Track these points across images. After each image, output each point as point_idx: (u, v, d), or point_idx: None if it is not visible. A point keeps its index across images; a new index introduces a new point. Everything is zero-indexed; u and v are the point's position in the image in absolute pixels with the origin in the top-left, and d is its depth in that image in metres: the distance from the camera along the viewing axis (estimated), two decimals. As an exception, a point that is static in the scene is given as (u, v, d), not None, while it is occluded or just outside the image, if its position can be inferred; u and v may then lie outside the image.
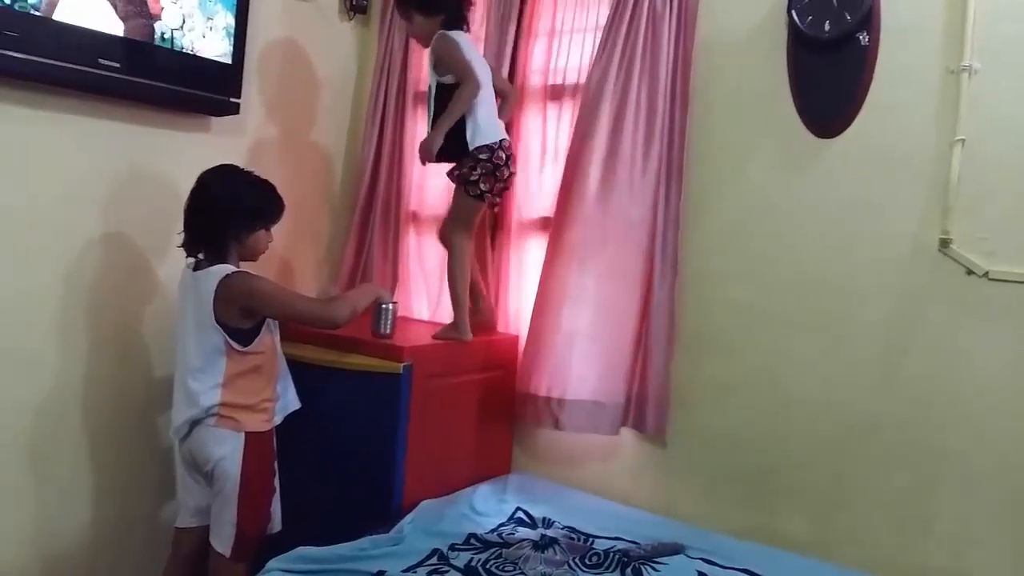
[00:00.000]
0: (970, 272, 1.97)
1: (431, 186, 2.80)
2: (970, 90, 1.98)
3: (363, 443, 2.22)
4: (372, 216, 2.85)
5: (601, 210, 2.34)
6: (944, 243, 1.99)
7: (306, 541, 1.93)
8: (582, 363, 2.36)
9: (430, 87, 2.38)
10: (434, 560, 1.91)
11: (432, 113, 2.35)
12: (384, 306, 2.29)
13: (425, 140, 2.32)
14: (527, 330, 2.48)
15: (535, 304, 2.45)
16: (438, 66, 2.33)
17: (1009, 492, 1.91)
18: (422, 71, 2.80)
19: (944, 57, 2.02)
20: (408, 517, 2.10)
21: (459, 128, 2.29)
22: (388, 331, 2.30)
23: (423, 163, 2.39)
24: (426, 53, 2.45)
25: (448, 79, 2.31)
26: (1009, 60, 1.95)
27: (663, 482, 2.40)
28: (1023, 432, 1.89)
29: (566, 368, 2.36)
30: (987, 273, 1.94)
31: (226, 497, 2.00)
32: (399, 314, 2.39)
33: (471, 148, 2.30)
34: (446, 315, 2.57)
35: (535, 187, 2.61)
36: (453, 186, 2.44)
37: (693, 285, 2.34)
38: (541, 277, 2.44)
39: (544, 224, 2.57)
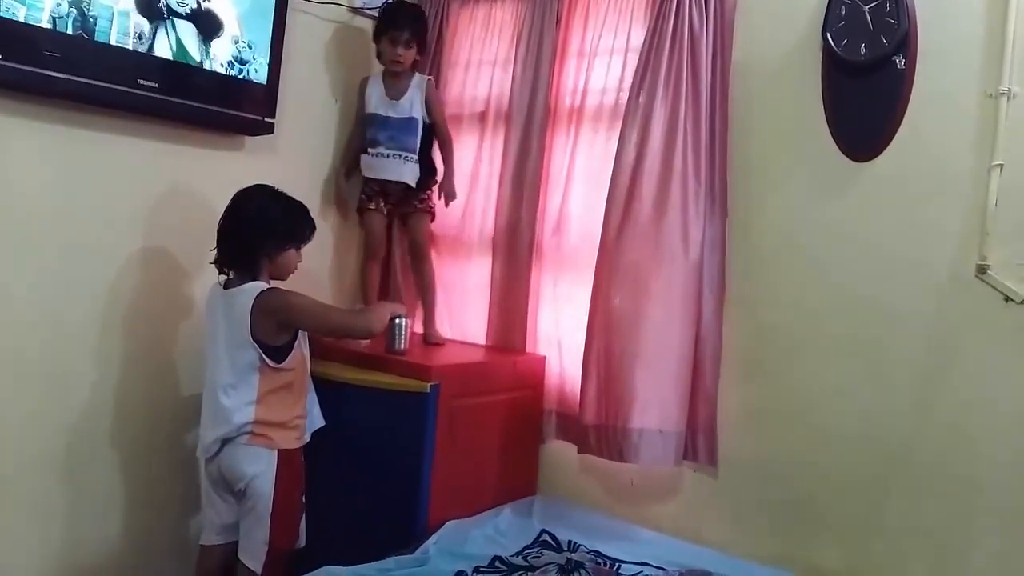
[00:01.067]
0: (1008, 299, 1.93)
1: (455, 209, 2.80)
2: (1008, 114, 1.94)
3: (389, 462, 2.23)
4: (395, 236, 2.87)
5: (655, 231, 2.28)
6: (981, 269, 1.96)
7: (331, 558, 1.93)
8: (643, 391, 2.25)
9: (410, 118, 2.63)
10: (459, 582, 1.90)
11: (417, 147, 2.65)
12: (397, 321, 2.30)
13: (448, 184, 2.67)
14: (559, 350, 2.50)
15: (590, 330, 2.33)
16: (429, 109, 2.66)
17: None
18: (450, 90, 2.85)
19: (982, 81, 1.99)
20: (433, 538, 2.09)
21: (427, 164, 2.69)
22: (403, 347, 2.32)
23: (447, 204, 2.71)
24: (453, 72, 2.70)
25: (426, 118, 2.66)
26: (1048, 84, 1.92)
27: (692, 507, 2.36)
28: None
29: (627, 397, 2.25)
30: (1025, 301, 1.91)
31: (259, 515, 2.01)
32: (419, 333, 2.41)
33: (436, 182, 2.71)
34: (461, 334, 2.77)
35: (566, 210, 2.59)
36: (448, 210, 2.75)
37: (732, 309, 2.31)
38: (593, 302, 2.34)
39: (566, 247, 2.57)
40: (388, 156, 2.63)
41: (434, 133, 2.71)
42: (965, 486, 1.96)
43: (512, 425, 2.47)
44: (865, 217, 2.12)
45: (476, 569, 1.97)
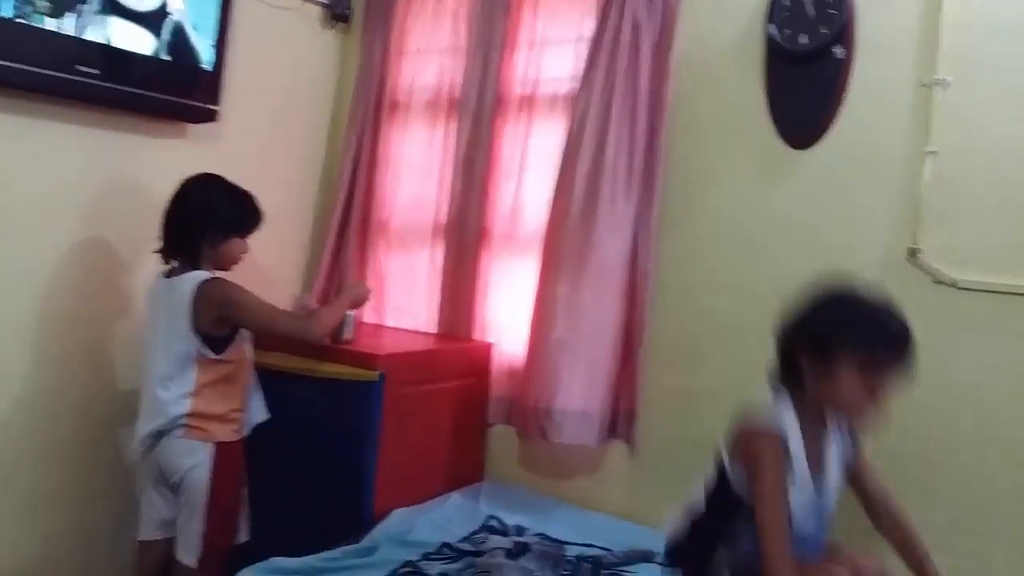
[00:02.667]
0: (938, 281, 1.98)
1: (404, 197, 2.81)
2: (942, 103, 2.00)
3: (334, 451, 2.21)
4: (348, 226, 2.85)
5: (585, 224, 2.34)
6: (913, 253, 2.01)
7: (276, 550, 1.91)
8: (570, 375, 2.33)
9: None
10: (407, 570, 1.90)
11: None
12: (347, 312, 2.28)
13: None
14: (505, 337, 2.52)
15: (533, 317, 2.40)
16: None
17: (971, 499, 1.92)
18: (399, 79, 2.83)
19: (918, 71, 2.05)
20: (380, 527, 2.09)
21: None
22: (350, 337, 2.30)
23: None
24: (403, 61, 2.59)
25: None
26: (980, 74, 1.98)
27: (635, 489, 2.40)
28: (992, 439, 1.91)
29: (556, 379, 2.33)
30: (956, 282, 1.96)
31: (193, 508, 1.98)
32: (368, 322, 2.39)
33: None
34: (412, 322, 2.75)
35: (515, 199, 2.61)
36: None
37: (667, 295, 2.35)
38: (537, 290, 2.41)
39: (516, 235, 2.59)
40: None
41: None
42: (897, 463, 1.99)
43: (459, 412, 2.47)
44: (802, 203, 2.17)
45: (424, 556, 1.98)
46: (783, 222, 2.20)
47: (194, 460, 1.98)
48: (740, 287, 2.26)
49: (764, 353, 2.18)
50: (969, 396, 1.95)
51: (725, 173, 2.29)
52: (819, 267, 2.12)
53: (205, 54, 2.41)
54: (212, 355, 1.99)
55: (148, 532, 2.09)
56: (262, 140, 2.76)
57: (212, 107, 2.45)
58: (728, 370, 2.26)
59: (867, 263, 2.07)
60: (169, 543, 2.05)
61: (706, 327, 2.31)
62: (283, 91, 2.83)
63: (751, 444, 1.48)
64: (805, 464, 1.52)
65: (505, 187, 2.63)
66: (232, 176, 2.14)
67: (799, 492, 1.49)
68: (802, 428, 1.53)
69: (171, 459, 1.99)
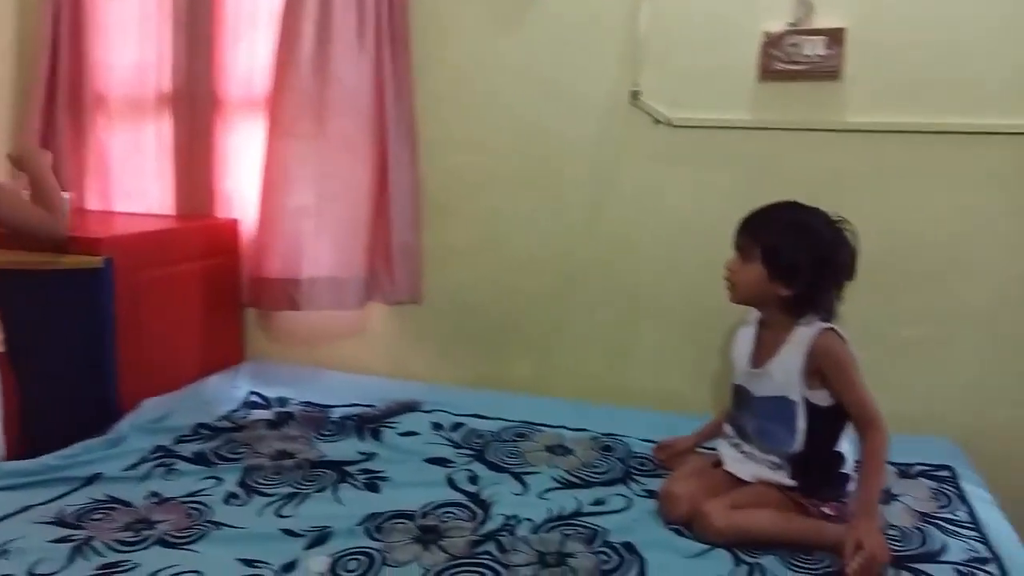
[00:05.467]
0: (657, 121, 2.13)
1: (121, 65, 2.51)
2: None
3: (68, 349, 2.02)
4: (55, 100, 2.51)
5: (317, 81, 2.23)
6: (635, 95, 2.13)
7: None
8: (316, 241, 2.28)
9: None
10: (159, 455, 1.82)
11: None
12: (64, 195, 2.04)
13: None
14: (256, 213, 2.36)
15: (262, 185, 2.31)
16: None
17: (692, 316, 2.16)
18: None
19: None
20: (127, 418, 1.96)
21: None
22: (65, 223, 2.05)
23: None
24: None
25: None
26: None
27: (402, 349, 2.45)
28: (703, 263, 2.11)
29: (299, 248, 2.28)
30: (671, 121, 2.12)
31: None
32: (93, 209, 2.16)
33: None
34: (145, 204, 2.52)
35: (241, 59, 2.42)
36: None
37: (418, 154, 2.33)
38: (264, 156, 2.30)
39: (253, 100, 2.41)
40: None
41: None
42: (630, 291, 2.22)
43: (209, 294, 2.35)
44: (534, 51, 2.21)
45: (178, 439, 1.90)
46: (518, 72, 2.23)
47: None
48: (484, 143, 2.29)
49: (511, 207, 2.28)
50: (686, 223, 2.15)
51: (463, 24, 2.26)
52: (552, 115, 2.21)
53: None
54: None
55: None
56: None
57: None
58: (480, 226, 2.32)
59: (595, 107, 2.18)
60: None
61: (456, 184, 2.33)
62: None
63: (830, 351, 1.50)
64: None
65: (235, 49, 2.42)
66: None
67: None
68: None
69: None
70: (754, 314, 1.67)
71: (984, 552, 1.46)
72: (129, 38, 2.50)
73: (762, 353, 1.61)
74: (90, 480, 1.68)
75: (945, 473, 1.80)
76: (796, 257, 1.51)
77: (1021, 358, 1.97)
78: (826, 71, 1.96)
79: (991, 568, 1.41)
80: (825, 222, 1.54)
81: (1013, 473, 1.94)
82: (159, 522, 1.51)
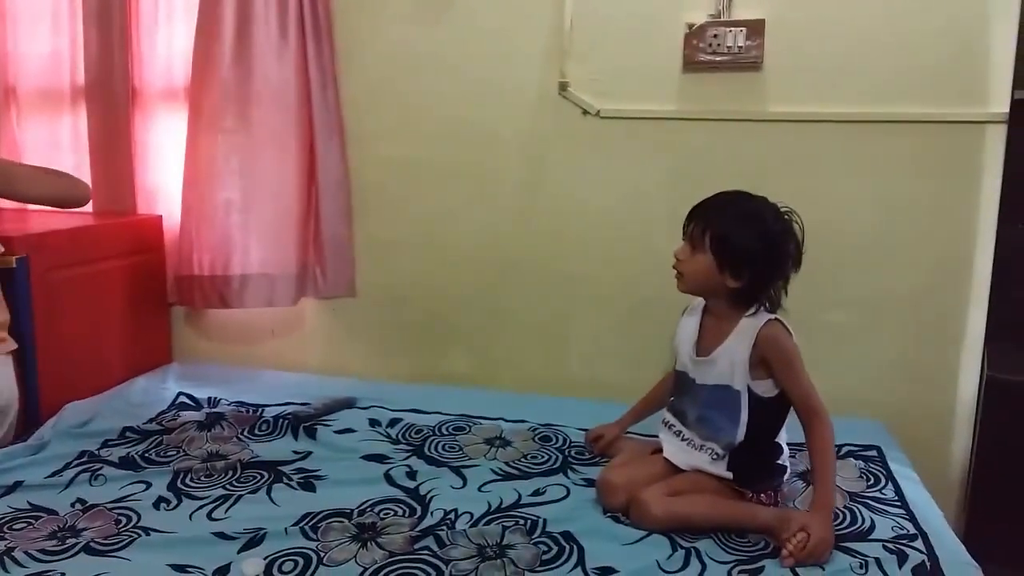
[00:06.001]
0: (585, 112, 2.14)
1: (33, 55, 2.40)
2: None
3: (-18, 352, 1.93)
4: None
5: (240, 73, 2.18)
6: (563, 87, 2.14)
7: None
8: (244, 236, 2.24)
9: None
10: (84, 461, 1.75)
11: None
12: None
13: None
14: (179, 209, 2.29)
15: (184, 180, 2.25)
16: None
17: (627, 306, 2.20)
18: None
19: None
20: (49, 423, 1.89)
21: None
22: None
23: None
24: None
25: None
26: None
27: (336, 345, 2.43)
28: (637, 252, 2.16)
29: (227, 244, 2.23)
30: (599, 112, 2.13)
31: None
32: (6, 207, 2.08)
33: None
34: None
35: (160, 48, 2.35)
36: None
37: (352, 145, 2.30)
38: (187, 150, 2.24)
39: (174, 92, 2.34)
40: None
41: None
42: (565, 282, 2.24)
43: (132, 293, 2.27)
44: (461, 42, 2.20)
45: (104, 444, 1.83)
46: (444, 65, 2.22)
47: None
48: (413, 135, 2.27)
49: (444, 200, 2.27)
50: (615, 213, 2.17)
51: (388, 16, 2.23)
52: (482, 108, 2.21)
53: None
54: None
55: None
56: None
57: None
58: (413, 219, 2.30)
59: (524, 99, 2.18)
60: None
61: (386, 177, 2.31)
62: None
63: (776, 342, 1.50)
64: None
65: (152, 38, 2.35)
66: None
67: None
68: None
69: None
70: (698, 301, 1.65)
71: (911, 529, 1.50)
72: (41, 27, 2.41)
73: (707, 341, 1.60)
74: (11, 488, 1.61)
75: (872, 453, 1.84)
76: (746, 248, 1.49)
77: (943, 341, 2.04)
78: (748, 62, 2.01)
79: (918, 544, 1.44)
80: (774, 213, 1.53)
81: (937, 452, 2.03)
82: (85, 530, 1.46)
